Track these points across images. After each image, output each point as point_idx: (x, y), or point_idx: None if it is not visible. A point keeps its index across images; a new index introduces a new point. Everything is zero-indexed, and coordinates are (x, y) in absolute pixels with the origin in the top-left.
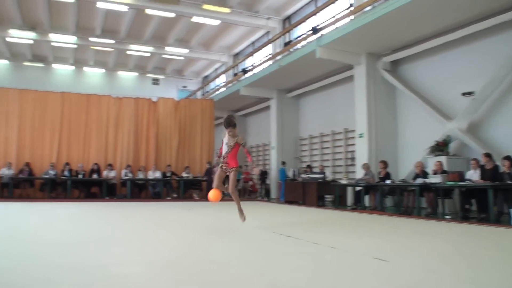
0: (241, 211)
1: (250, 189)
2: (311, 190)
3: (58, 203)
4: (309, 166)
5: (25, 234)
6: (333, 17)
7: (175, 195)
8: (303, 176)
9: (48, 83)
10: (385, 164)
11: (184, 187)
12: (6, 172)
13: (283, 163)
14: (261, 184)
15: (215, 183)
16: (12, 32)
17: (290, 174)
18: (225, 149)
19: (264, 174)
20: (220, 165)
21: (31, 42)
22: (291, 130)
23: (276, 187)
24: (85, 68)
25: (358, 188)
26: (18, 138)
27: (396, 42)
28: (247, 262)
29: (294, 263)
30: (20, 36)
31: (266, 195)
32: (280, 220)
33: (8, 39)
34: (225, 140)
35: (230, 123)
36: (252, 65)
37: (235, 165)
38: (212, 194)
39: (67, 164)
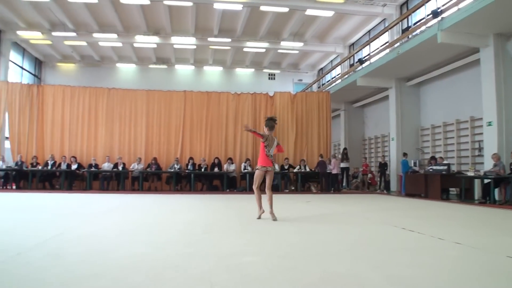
0: (271, 210)
1: (369, 182)
2: (434, 183)
3: (183, 195)
4: (433, 158)
5: (154, 224)
6: None
7: (292, 188)
8: (426, 168)
9: (171, 83)
10: None
11: (302, 180)
12: (136, 166)
13: (405, 154)
14: (380, 177)
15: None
16: (138, 38)
17: (413, 165)
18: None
19: (383, 166)
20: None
21: (155, 46)
22: (411, 120)
23: (396, 179)
24: (204, 67)
25: (486, 181)
26: (146, 134)
27: None
28: (364, 255)
29: (414, 258)
30: (145, 41)
31: (385, 188)
32: (400, 213)
33: (135, 44)
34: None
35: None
36: (368, 55)
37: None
38: None
39: (191, 158)
